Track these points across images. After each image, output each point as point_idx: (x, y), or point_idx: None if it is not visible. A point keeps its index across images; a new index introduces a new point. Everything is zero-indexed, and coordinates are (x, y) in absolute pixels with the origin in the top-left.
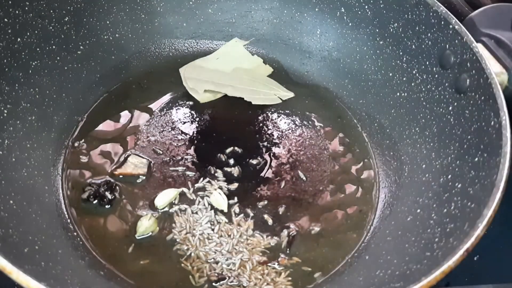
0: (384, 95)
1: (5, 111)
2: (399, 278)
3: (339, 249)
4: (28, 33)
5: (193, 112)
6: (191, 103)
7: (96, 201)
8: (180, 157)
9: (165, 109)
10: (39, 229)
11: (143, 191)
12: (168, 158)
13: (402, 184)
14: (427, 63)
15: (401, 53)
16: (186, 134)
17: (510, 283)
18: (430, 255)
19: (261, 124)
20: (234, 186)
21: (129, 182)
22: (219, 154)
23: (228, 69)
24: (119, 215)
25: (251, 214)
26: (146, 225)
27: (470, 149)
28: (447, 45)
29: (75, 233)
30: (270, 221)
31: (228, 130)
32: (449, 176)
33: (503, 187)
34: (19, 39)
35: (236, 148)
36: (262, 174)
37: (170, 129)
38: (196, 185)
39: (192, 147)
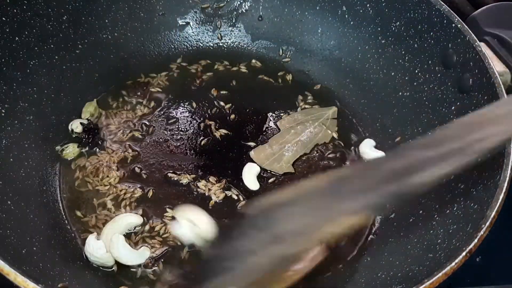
0: (386, 94)
1: (3, 111)
2: (401, 280)
3: (340, 250)
4: (26, 32)
5: (193, 112)
6: (191, 103)
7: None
8: (179, 157)
9: (165, 109)
10: (37, 230)
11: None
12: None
13: None
14: (430, 62)
15: (403, 52)
16: (186, 134)
17: None
18: (432, 257)
19: (262, 124)
20: (235, 186)
21: None
22: (219, 154)
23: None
24: None
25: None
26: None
27: None
28: (450, 44)
29: (72, 234)
30: None
31: (229, 129)
32: (452, 177)
33: (506, 188)
34: (17, 38)
35: (236, 146)
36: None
37: (169, 129)
38: (196, 185)
39: (192, 147)
